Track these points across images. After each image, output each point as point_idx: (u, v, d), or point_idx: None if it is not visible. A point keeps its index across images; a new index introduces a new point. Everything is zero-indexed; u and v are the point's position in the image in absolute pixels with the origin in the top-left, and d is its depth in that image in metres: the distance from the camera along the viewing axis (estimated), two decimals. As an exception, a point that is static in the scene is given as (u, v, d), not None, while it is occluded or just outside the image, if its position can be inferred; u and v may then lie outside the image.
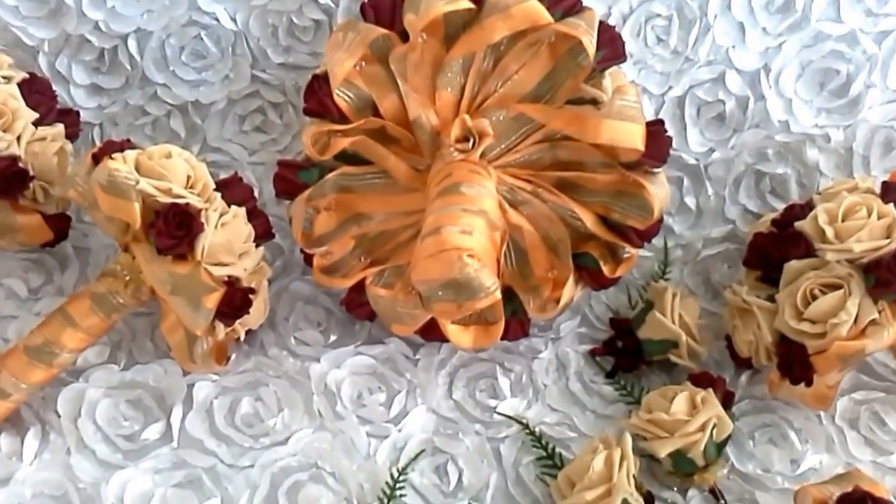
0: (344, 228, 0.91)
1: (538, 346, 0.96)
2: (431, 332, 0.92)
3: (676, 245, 1.03)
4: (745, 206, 1.03)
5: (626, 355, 0.94)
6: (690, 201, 1.02)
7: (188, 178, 0.83)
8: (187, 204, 0.80)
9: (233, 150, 1.09)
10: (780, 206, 0.95)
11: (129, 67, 1.07)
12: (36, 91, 0.94)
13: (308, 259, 0.94)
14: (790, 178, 1.01)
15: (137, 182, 0.80)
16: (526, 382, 0.94)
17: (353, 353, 0.95)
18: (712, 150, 1.01)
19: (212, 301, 0.80)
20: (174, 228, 0.79)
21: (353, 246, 0.92)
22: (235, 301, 0.83)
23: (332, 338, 0.97)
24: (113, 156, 0.82)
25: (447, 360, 0.95)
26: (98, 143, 1.05)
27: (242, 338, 0.91)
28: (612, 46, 0.82)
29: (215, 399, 0.91)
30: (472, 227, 0.76)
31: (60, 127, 0.95)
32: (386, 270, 0.92)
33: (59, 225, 0.96)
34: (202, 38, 1.04)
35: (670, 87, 1.00)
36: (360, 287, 0.93)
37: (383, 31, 0.84)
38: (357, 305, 0.94)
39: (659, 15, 0.97)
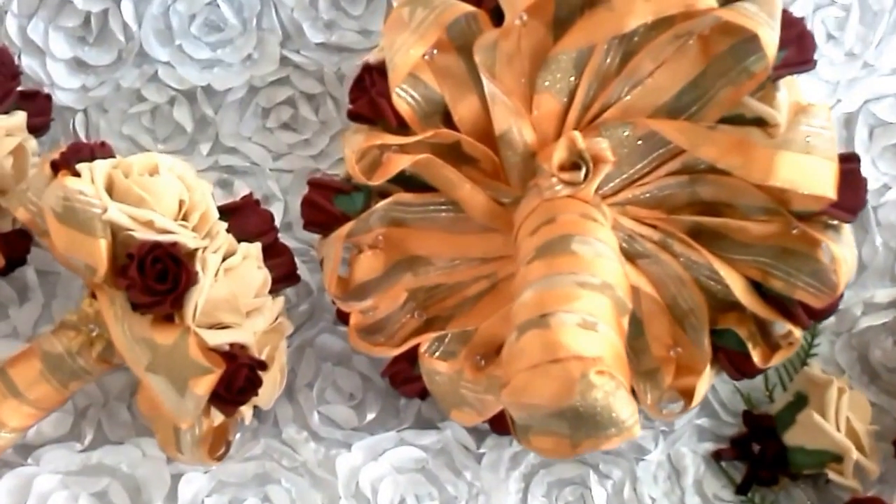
0: (393, 275, 0.68)
1: (644, 444, 0.74)
2: (505, 424, 0.66)
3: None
4: (924, 264, 0.78)
5: (765, 464, 0.69)
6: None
7: (180, 203, 0.58)
8: (175, 244, 0.56)
9: (252, 151, 0.85)
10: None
11: (122, 39, 0.84)
12: (-6, 62, 0.70)
13: (342, 314, 0.69)
14: None
15: (105, 210, 0.55)
16: (629, 496, 0.70)
17: (396, 440, 0.73)
18: (886, 188, 0.78)
19: (203, 386, 0.56)
20: (154, 280, 0.54)
21: (405, 300, 0.67)
22: (238, 382, 0.58)
23: (369, 416, 0.75)
24: (78, 167, 0.57)
25: (521, 456, 0.74)
26: (86, 134, 0.82)
27: (248, 421, 0.66)
28: (798, 47, 0.57)
29: (207, 497, 0.67)
30: (596, 316, 0.50)
31: (21, 116, 0.72)
32: (447, 336, 0.67)
33: (16, 246, 0.72)
34: (218, 6, 0.82)
35: (838, 101, 0.78)
36: (409, 356, 0.68)
37: (467, 7, 0.59)
38: (405, 381, 0.70)
39: (834, 3, 0.71)
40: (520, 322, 0.52)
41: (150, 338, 0.57)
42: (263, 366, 0.61)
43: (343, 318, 0.71)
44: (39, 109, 0.76)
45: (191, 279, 0.57)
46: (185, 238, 0.58)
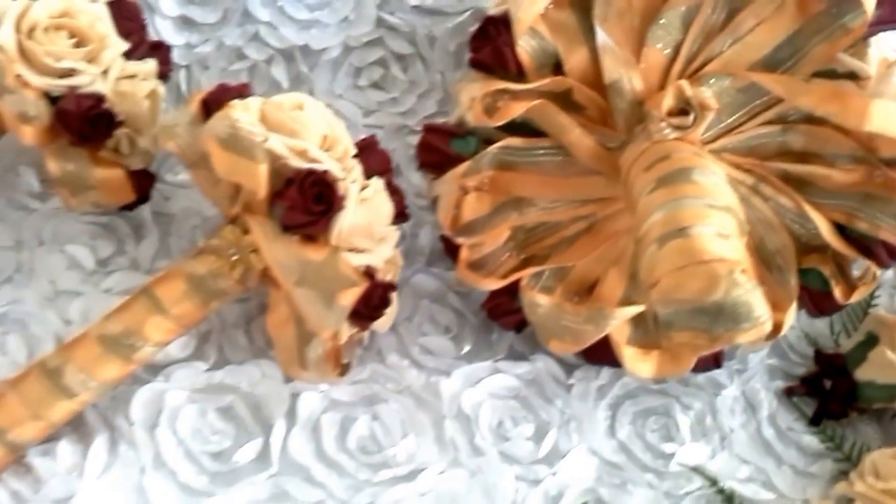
0: (499, 215, 0.73)
1: (721, 380, 0.79)
2: (598, 354, 0.72)
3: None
4: None
5: (836, 399, 0.75)
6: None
7: (324, 137, 0.63)
8: (327, 171, 0.61)
9: (344, 107, 0.90)
10: None
11: (228, -1, 0.87)
12: (125, 16, 0.75)
13: (449, 249, 0.74)
14: None
15: (266, 139, 0.60)
16: (710, 424, 0.76)
17: (492, 369, 0.77)
18: None
19: (349, 298, 0.62)
20: (311, 202, 0.60)
21: (507, 238, 0.73)
22: (374, 299, 0.64)
23: (465, 348, 0.80)
24: (233, 102, 0.62)
25: (608, 388, 0.78)
26: (187, 89, 0.87)
27: (366, 342, 0.71)
28: (892, 6, 0.62)
29: (324, 415, 0.72)
30: (728, 230, 0.56)
31: (153, 63, 0.76)
32: (544, 273, 0.73)
33: (143, 184, 0.77)
34: None
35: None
36: (509, 290, 0.74)
37: (587, -35, 0.64)
38: (504, 313, 0.75)
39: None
40: (657, 235, 0.58)
41: (302, 255, 0.63)
42: (394, 287, 0.66)
43: (450, 251, 0.76)
44: (163, 59, 0.80)
45: (340, 203, 0.62)
46: (333, 168, 0.63)
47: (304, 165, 0.62)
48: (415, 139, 0.76)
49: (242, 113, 0.62)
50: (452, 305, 0.82)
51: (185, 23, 0.90)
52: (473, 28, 0.70)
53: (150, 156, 0.79)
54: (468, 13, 0.90)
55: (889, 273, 0.85)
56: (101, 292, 0.79)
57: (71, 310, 0.77)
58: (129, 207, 0.80)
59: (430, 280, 0.83)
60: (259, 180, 0.62)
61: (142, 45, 0.78)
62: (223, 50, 0.91)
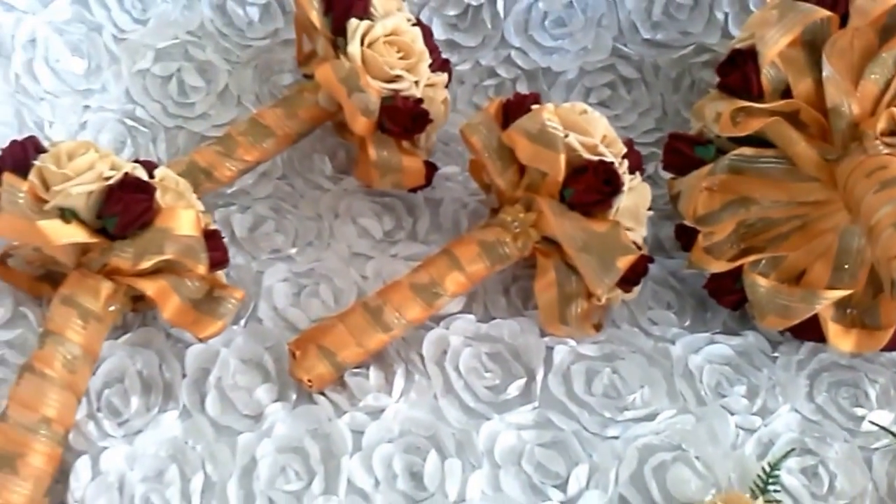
0: (728, 211, 0.89)
1: None
2: (805, 331, 0.88)
3: None
4: None
5: None
6: None
7: (604, 136, 0.81)
8: (613, 162, 0.78)
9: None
10: None
11: (489, 27, 1.06)
12: (428, 37, 0.94)
13: (682, 237, 0.91)
14: None
15: (567, 135, 0.78)
16: (893, 395, 0.89)
17: (710, 340, 0.92)
18: None
19: (626, 262, 0.79)
20: (601, 184, 0.77)
21: (732, 231, 0.89)
22: (640, 268, 0.81)
23: (686, 322, 0.94)
24: (537, 107, 0.81)
25: (806, 361, 0.92)
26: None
27: (616, 306, 0.89)
28: None
29: (573, 365, 0.89)
30: None
31: (445, 76, 0.95)
32: (763, 260, 0.89)
33: (431, 172, 0.96)
34: (573, 5, 1.03)
35: None
36: (729, 275, 0.90)
37: (826, 12, 0.80)
38: (725, 293, 0.91)
39: None
40: (891, 222, 0.74)
41: (587, 227, 0.80)
42: (652, 261, 0.84)
43: (684, 242, 0.93)
44: (449, 73, 1.00)
45: (620, 187, 0.80)
46: (614, 159, 0.81)
47: (594, 157, 0.80)
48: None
49: (550, 114, 0.80)
50: (673, 287, 0.98)
51: (451, 45, 1.09)
52: (723, 58, 0.87)
53: (432, 150, 0.99)
54: (691, 47, 1.07)
55: None
56: (389, 256, 0.97)
57: (367, 269, 0.96)
58: (413, 190, 0.99)
59: (654, 266, 0.99)
60: (559, 167, 0.80)
61: (437, 60, 0.97)
62: (478, 69, 1.10)
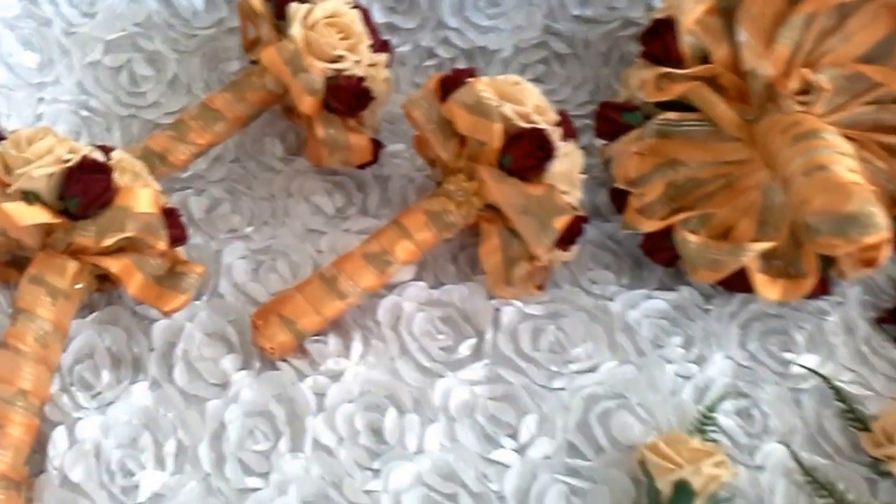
0: (658, 173, 0.95)
1: (825, 308, 0.99)
2: (731, 283, 0.94)
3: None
4: None
5: (917, 323, 0.95)
6: None
7: (536, 106, 0.87)
8: (545, 129, 0.84)
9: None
10: None
11: (426, 9, 1.11)
12: (365, 20, 0.99)
13: (616, 199, 0.97)
14: None
15: (500, 105, 0.84)
16: (819, 340, 0.96)
17: (647, 296, 0.98)
18: None
19: (561, 223, 0.85)
20: (535, 150, 0.83)
21: (662, 192, 0.95)
22: (575, 228, 0.86)
23: (624, 280, 1.00)
24: (471, 80, 0.86)
25: (738, 312, 0.98)
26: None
27: (555, 268, 0.94)
28: None
29: (520, 324, 0.94)
30: (853, 167, 0.78)
31: (385, 56, 1.00)
32: (693, 218, 0.95)
33: (377, 149, 1.00)
34: None
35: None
36: (662, 233, 0.96)
37: (735, -18, 0.87)
38: (658, 250, 0.97)
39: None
40: (802, 171, 0.80)
41: (525, 191, 0.86)
42: (586, 220, 0.90)
43: (616, 202, 0.99)
44: (390, 53, 1.05)
45: (555, 152, 0.86)
46: (547, 126, 0.87)
47: (528, 125, 0.85)
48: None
49: (484, 87, 0.85)
50: (611, 248, 1.03)
51: (390, 28, 1.14)
52: (644, 28, 0.93)
53: (377, 128, 1.03)
54: (618, 21, 1.13)
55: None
56: (341, 231, 1.01)
57: (321, 243, 1.00)
58: (362, 167, 1.04)
59: (592, 230, 1.04)
60: (495, 136, 0.85)
61: (377, 42, 1.02)
62: (418, 50, 1.15)
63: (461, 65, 1.15)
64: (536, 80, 1.14)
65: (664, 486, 0.79)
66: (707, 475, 0.79)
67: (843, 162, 0.79)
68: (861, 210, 0.77)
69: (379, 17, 1.14)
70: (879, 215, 0.78)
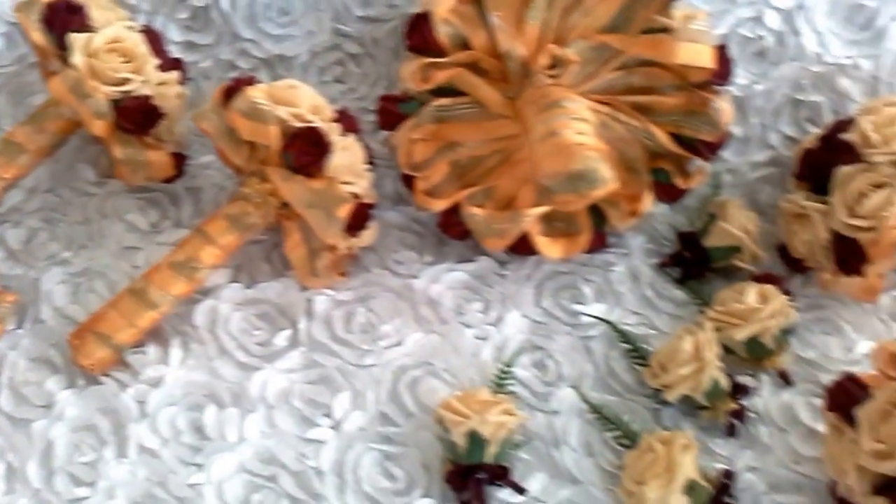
0: (440, 156, 1.02)
1: (612, 261, 1.07)
2: (521, 248, 1.03)
3: (726, 170, 1.12)
4: (784, 132, 1.13)
5: (693, 264, 1.05)
6: (737, 130, 1.11)
7: (312, 106, 0.94)
8: (318, 127, 0.91)
9: (315, 99, 1.18)
10: (816, 131, 1.06)
11: (221, 24, 1.16)
12: (152, 41, 1.04)
13: (408, 184, 1.04)
14: (824, 105, 1.11)
15: (274, 109, 0.90)
16: (606, 290, 1.04)
17: (448, 269, 1.05)
18: (755, 83, 1.12)
19: (344, 211, 0.91)
20: (311, 147, 0.90)
21: (448, 172, 1.03)
22: (361, 214, 0.94)
23: (427, 259, 1.07)
24: (246, 89, 0.92)
25: (532, 274, 1.06)
26: (195, 95, 1.16)
27: (357, 253, 1.01)
28: None
29: (333, 311, 1.01)
30: (584, 130, 0.87)
31: (177, 73, 1.05)
32: (477, 193, 1.03)
33: (179, 162, 1.06)
34: None
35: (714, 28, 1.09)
36: (453, 210, 1.04)
37: (481, -26, 0.95)
38: (452, 226, 1.04)
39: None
40: (538, 138, 0.89)
41: (307, 186, 0.92)
42: (373, 206, 0.97)
43: (409, 186, 1.06)
44: (182, 70, 1.10)
45: (329, 147, 0.93)
46: (322, 125, 0.94)
47: (302, 125, 0.92)
48: (371, 117, 1.05)
49: (257, 93, 0.92)
50: (415, 230, 1.10)
51: (189, 46, 1.19)
52: (405, 23, 1.00)
53: (182, 142, 1.09)
54: (399, 18, 1.20)
55: (728, 176, 1.15)
56: (156, 245, 1.06)
57: (138, 259, 1.05)
58: (169, 181, 1.09)
59: (396, 216, 1.09)
60: (272, 138, 0.92)
61: (166, 61, 1.07)
62: (219, 63, 1.19)
63: (263, 74, 1.20)
64: (336, 80, 1.19)
65: (459, 438, 0.87)
66: (494, 423, 0.87)
67: (574, 126, 0.88)
68: (586, 167, 0.86)
69: (177, 36, 1.18)
70: (604, 170, 0.87)
